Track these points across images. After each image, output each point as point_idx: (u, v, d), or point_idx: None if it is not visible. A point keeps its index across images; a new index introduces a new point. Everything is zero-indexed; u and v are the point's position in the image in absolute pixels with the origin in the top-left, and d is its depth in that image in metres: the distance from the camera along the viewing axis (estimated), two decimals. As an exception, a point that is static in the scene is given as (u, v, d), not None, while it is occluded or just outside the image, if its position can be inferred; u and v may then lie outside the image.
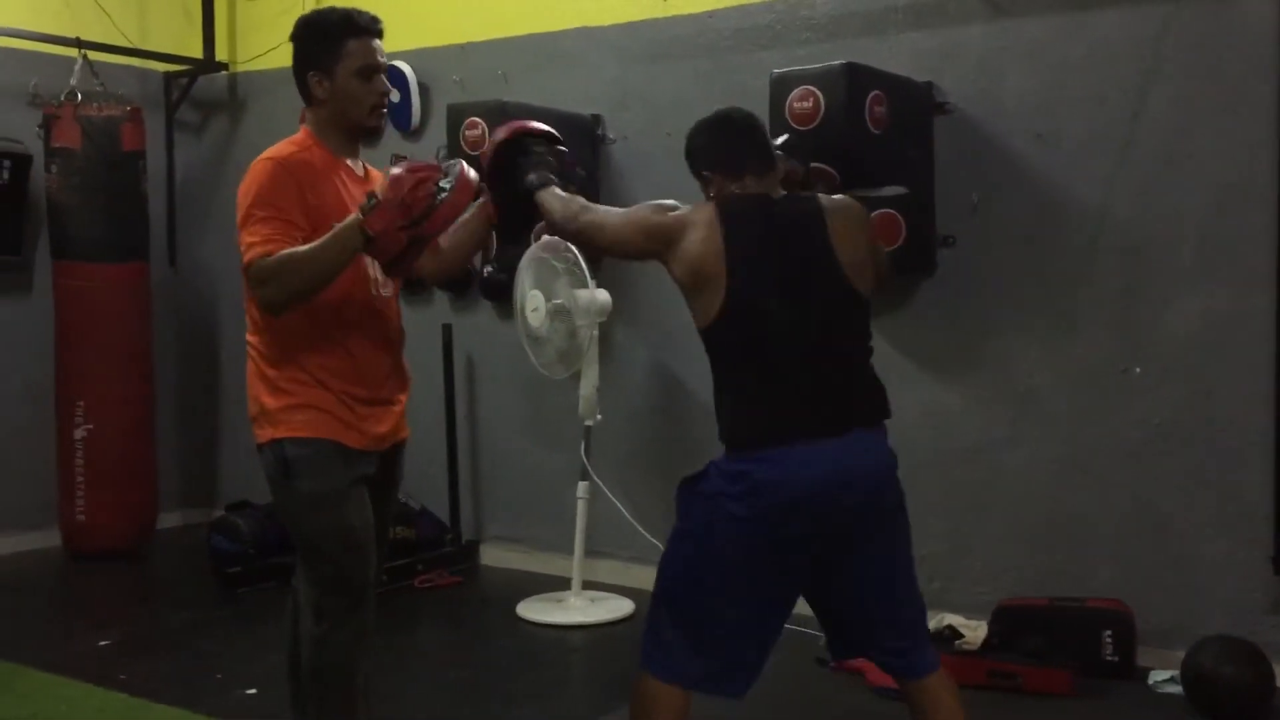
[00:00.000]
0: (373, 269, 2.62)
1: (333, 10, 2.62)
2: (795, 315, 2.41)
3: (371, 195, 2.38)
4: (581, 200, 2.70)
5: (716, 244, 2.40)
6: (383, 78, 2.63)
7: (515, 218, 2.82)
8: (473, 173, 2.47)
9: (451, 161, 2.51)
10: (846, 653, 2.68)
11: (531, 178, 2.71)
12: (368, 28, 2.61)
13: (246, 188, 2.51)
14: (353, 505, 2.60)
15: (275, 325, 2.56)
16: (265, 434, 2.60)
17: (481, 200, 2.73)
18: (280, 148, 2.60)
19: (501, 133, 2.79)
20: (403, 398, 2.76)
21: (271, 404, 2.58)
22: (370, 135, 2.70)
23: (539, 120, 2.85)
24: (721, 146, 2.59)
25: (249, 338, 2.64)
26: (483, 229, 2.81)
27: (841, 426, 2.40)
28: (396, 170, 2.40)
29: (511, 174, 2.74)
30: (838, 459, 2.37)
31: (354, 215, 2.39)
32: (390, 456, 2.75)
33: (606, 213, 2.68)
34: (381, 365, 2.68)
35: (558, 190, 2.70)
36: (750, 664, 2.48)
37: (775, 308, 2.40)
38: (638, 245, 2.58)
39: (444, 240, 2.69)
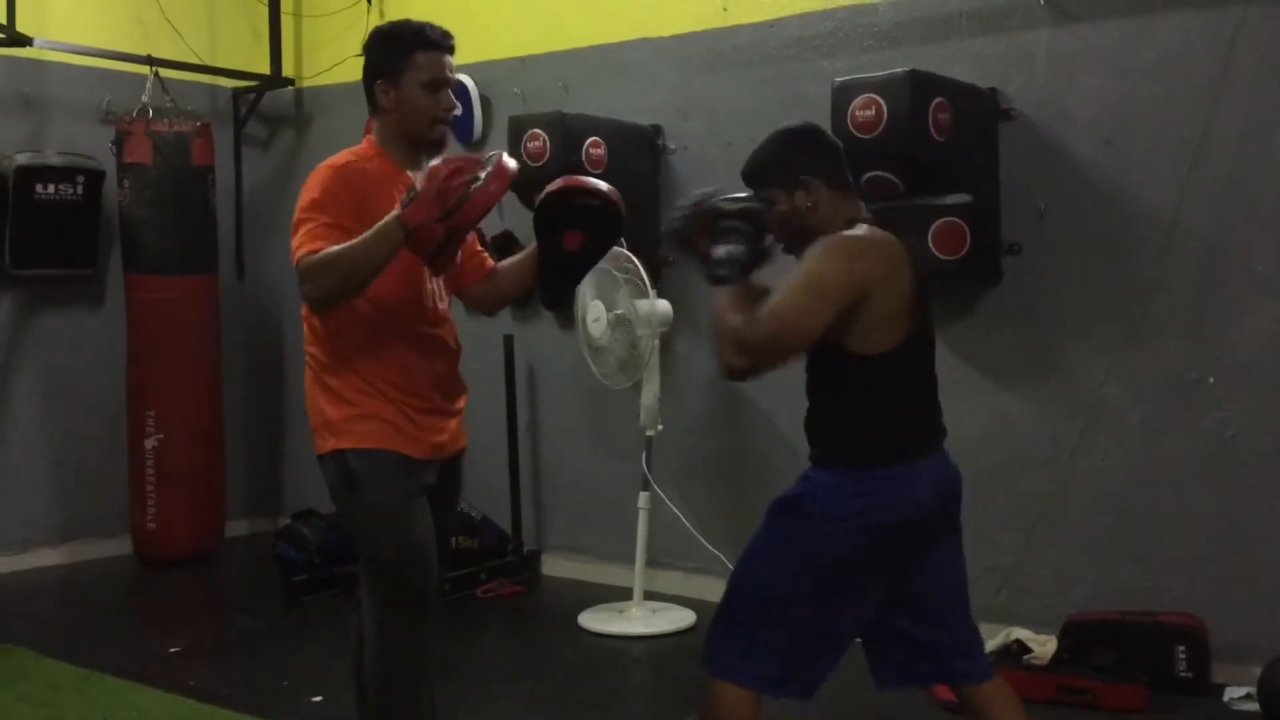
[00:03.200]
0: (429, 282, 2.64)
1: (408, 23, 2.65)
2: (926, 344, 2.47)
3: (411, 189, 2.39)
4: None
5: (910, 286, 2.37)
6: (449, 93, 2.65)
7: (555, 280, 2.74)
8: (511, 162, 2.41)
9: (492, 153, 2.47)
10: (895, 677, 2.57)
11: (721, 256, 2.39)
12: (439, 42, 2.63)
13: (302, 193, 2.56)
14: (415, 516, 2.62)
15: (336, 335, 2.59)
16: (327, 444, 2.61)
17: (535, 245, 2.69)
18: (340, 156, 2.63)
19: (555, 184, 2.64)
20: (460, 407, 2.77)
21: (334, 414, 2.59)
22: (432, 148, 2.71)
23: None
24: (830, 158, 2.50)
25: (308, 348, 2.66)
26: (534, 272, 2.77)
27: (940, 444, 2.50)
28: (434, 163, 2.40)
29: (555, 232, 2.61)
30: (945, 472, 2.46)
31: (392, 213, 2.40)
32: (450, 466, 2.76)
33: (780, 303, 2.30)
34: (439, 376, 2.70)
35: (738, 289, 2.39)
36: (829, 668, 2.47)
37: (921, 339, 2.44)
38: (830, 316, 2.30)
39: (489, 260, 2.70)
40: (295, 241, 2.49)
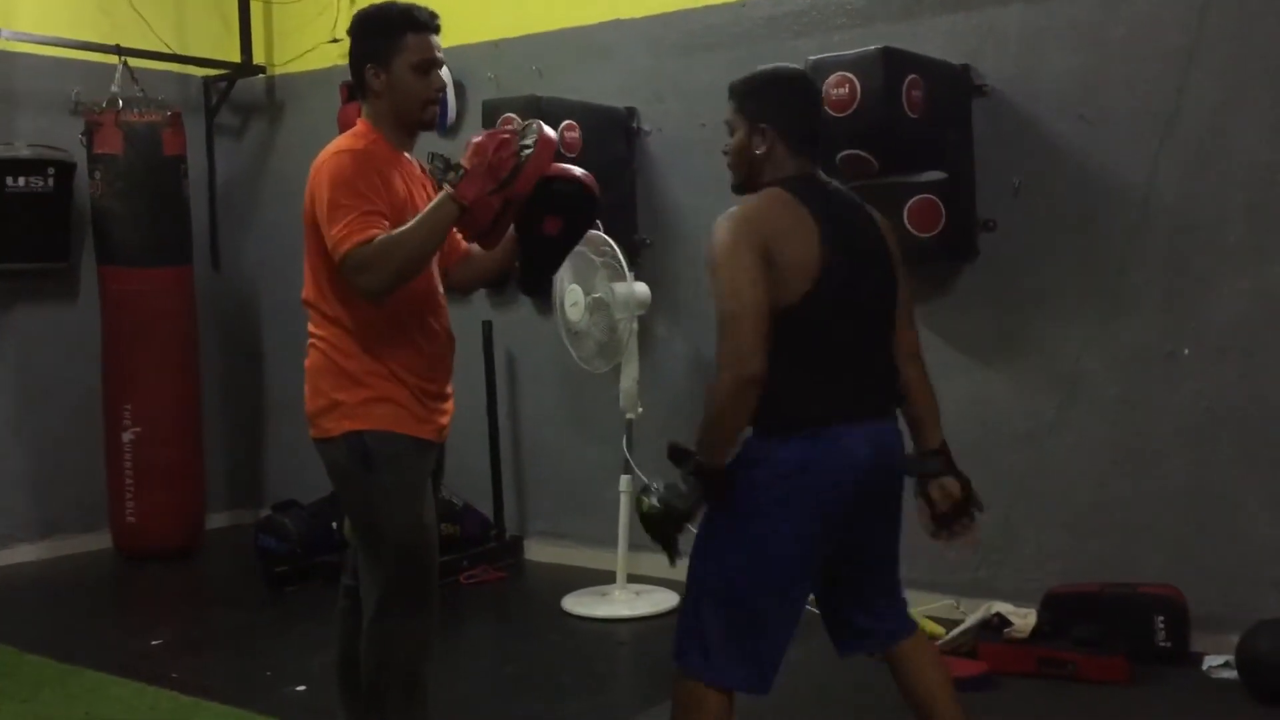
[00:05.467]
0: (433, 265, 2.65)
1: (392, 5, 2.63)
2: (862, 305, 2.44)
3: (456, 166, 2.40)
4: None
5: (814, 239, 2.34)
6: (439, 74, 2.65)
7: (535, 265, 2.75)
8: (550, 130, 2.47)
9: (527, 122, 2.52)
10: (846, 635, 2.61)
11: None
12: (426, 23, 2.62)
13: (327, 180, 2.50)
14: (427, 499, 2.64)
15: (351, 319, 2.57)
16: (340, 426, 2.57)
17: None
18: (348, 140, 2.60)
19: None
20: (451, 391, 2.78)
21: (348, 398, 2.57)
22: (424, 129, 2.73)
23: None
24: (796, 111, 2.49)
25: (316, 330, 2.63)
26: (513, 252, 2.77)
27: (885, 410, 2.47)
28: (476, 139, 2.43)
29: (533, 218, 2.61)
30: (883, 440, 2.43)
31: (443, 192, 2.42)
32: (439, 449, 2.78)
33: (723, 310, 2.35)
34: (446, 359, 2.72)
35: None
36: (781, 657, 2.45)
37: (849, 296, 2.39)
38: (763, 291, 2.31)
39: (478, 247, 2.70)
40: (337, 231, 2.44)
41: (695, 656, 2.41)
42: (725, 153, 2.53)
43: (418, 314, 2.62)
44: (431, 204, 2.47)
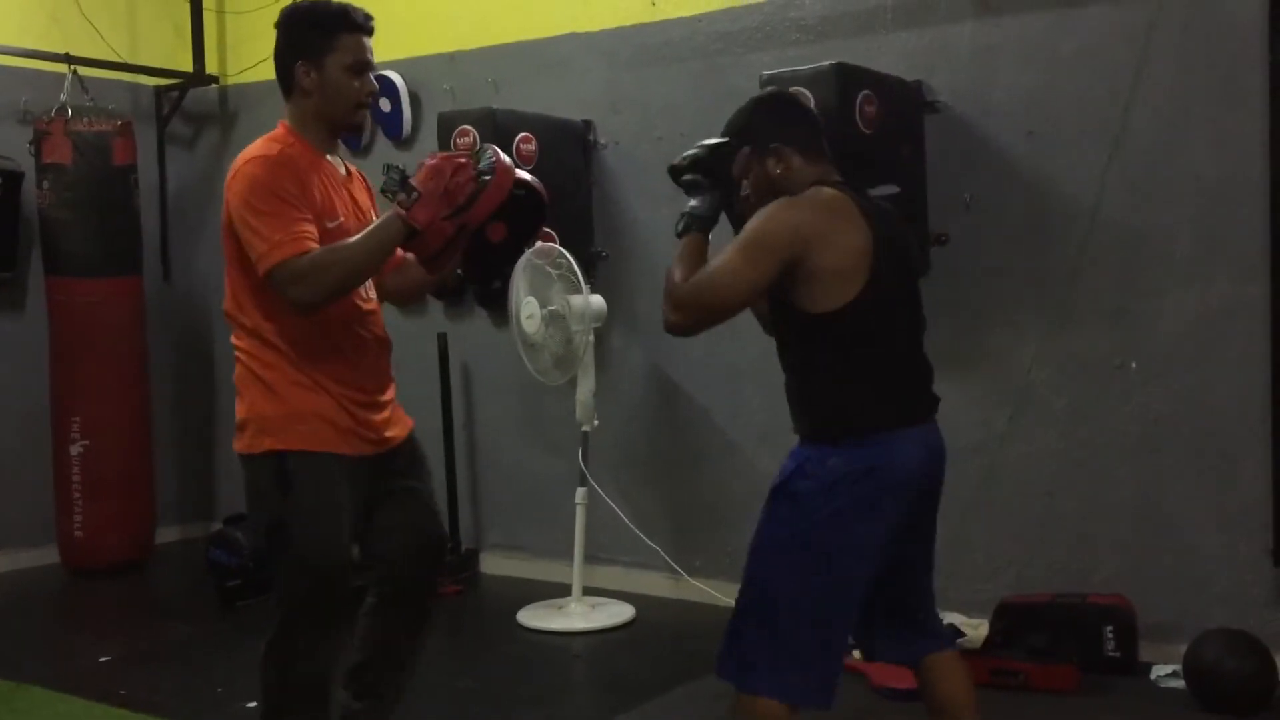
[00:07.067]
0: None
1: (328, 4, 2.60)
2: (905, 308, 2.46)
3: (410, 188, 2.37)
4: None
5: (866, 243, 2.33)
6: (371, 77, 2.62)
7: (479, 271, 2.73)
8: (507, 158, 2.47)
9: (481, 147, 2.51)
10: (892, 650, 2.60)
11: (684, 210, 2.44)
12: (362, 24, 2.60)
13: (245, 188, 2.46)
14: (344, 523, 2.59)
15: (271, 329, 2.54)
16: (260, 443, 2.55)
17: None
18: (262, 146, 2.55)
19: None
20: (389, 398, 2.74)
21: (270, 411, 2.54)
22: (351, 132, 2.70)
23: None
24: (802, 124, 2.50)
25: (237, 342, 2.61)
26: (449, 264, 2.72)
27: (925, 414, 2.48)
28: (431, 161, 2.41)
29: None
30: (933, 442, 2.46)
31: (391, 211, 2.40)
32: (408, 449, 2.74)
33: (712, 263, 2.33)
34: (376, 368, 2.68)
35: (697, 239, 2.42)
36: (841, 667, 2.43)
37: (897, 299, 2.41)
38: (760, 276, 2.29)
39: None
40: (260, 242, 2.40)
41: (765, 674, 2.33)
42: (745, 196, 2.48)
43: (343, 323, 2.58)
44: (379, 222, 2.43)
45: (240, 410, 2.60)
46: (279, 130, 2.61)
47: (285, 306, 2.47)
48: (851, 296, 2.31)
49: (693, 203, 2.44)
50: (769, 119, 2.49)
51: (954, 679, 2.55)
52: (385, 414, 2.69)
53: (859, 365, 2.36)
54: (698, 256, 2.37)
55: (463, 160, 2.42)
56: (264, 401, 2.55)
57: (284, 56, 2.60)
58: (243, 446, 2.59)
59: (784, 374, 2.48)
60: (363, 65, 2.58)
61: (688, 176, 2.46)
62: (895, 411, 2.39)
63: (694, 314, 2.33)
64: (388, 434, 2.69)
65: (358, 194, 2.70)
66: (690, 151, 2.48)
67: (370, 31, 2.61)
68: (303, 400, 2.53)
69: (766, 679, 2.33)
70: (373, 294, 2.70)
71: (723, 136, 2.50)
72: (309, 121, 2.60)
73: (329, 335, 2.56)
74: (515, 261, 2.83)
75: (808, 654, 2.34)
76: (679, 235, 2.42)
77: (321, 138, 2.62)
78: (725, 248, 2.33)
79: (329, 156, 2.64)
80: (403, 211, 2.38)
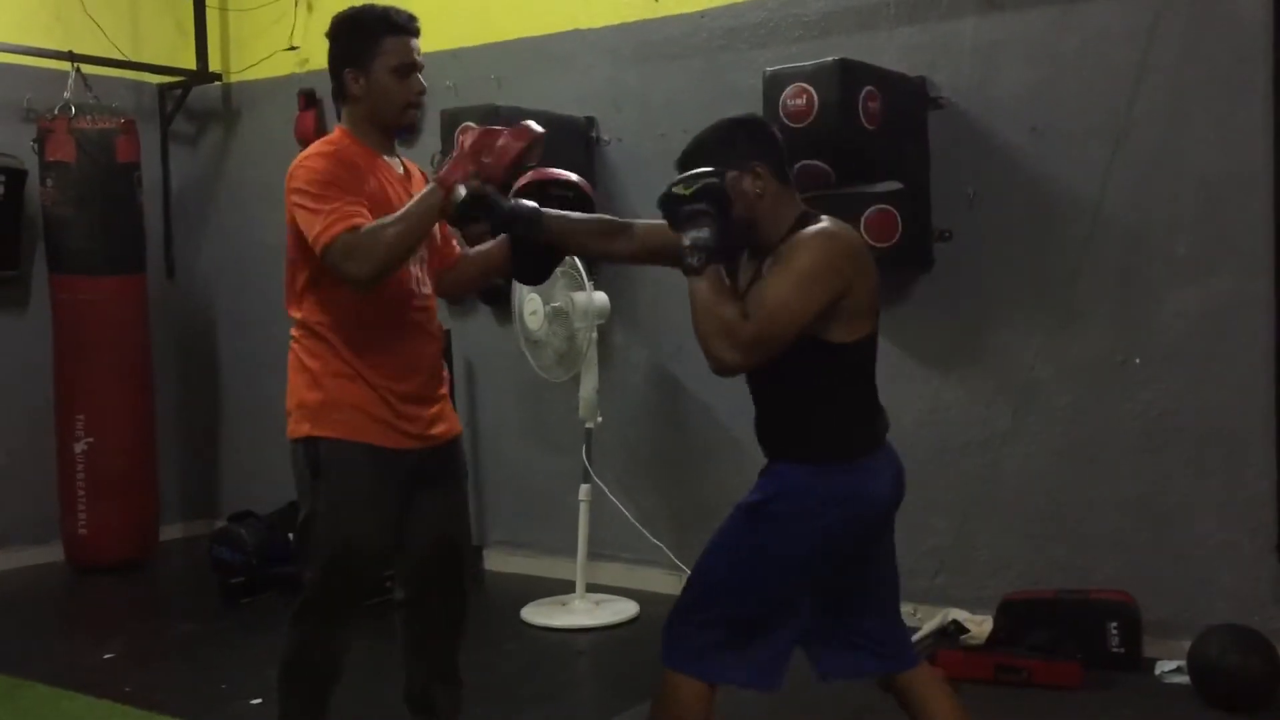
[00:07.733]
0: (414, 265, 2.64)
1: (371, 8, 2.63)
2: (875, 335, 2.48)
3: (444, 161, 2.46)
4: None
5: (876, 281, 2.39)
6: (419, 76, 2.64)
7: (531, 270, 2.75)
8: (534, 124, 2.51)
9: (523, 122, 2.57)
10: (840, 666, 2.59)
11: (688, 244, 2.27)
12: (405, 26, 2.62)
13: (297, 182, 2.51)
14: (373, 514, 2.61)
15: (318, 318, 2.57)
16: (300, 429, 2.60)
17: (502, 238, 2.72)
18: (319, 145, 2.61)
19: (527, 177, 2.68)
20: (443, 393, 2.76)
21: (310, 399, 2.58)
22: (404, 133, 2.74)
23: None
24: (774, 147, 2.45)
25: (293, 330, 2.65)
26: (503, 258, 2.78)
27: (886, 434, 2.51)
28: (462, 130, 2.50)
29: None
30: (896, 461, 2.48)
31: (430, 183, 2.48)
32: (446, 452, 2.75)
33: (772, 298, 2.24)
34: (425, 361, 2.70)
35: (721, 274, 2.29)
36: (788, 659, 2.46)
37: (876, 332, 2.45)
38: (813, 312, 2.26)
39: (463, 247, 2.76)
40: (318, 223, 2.44)
41: (689, 653, 2.39)
42: (740, 220, 2.38)
43: (390, 312, 2.61)
44: (420, 193, 2.50)
45: (289, 399, 2.65)
46: (335, 134, 2.65)
47: (339, 299, 2.53)
48: (869, 330, 2.38)
49: (701, 233, 2.28)
50: (745, 137, 2.44)
51: (937, 699, 2.54)
52: (433, 410, 2.70)
53: (858, 392, 2.43)
54: (729, 290, 2.30)
55: (491, 128, 2.49)
56: (306, 389, 2.60)
57: (334, 64, 2.64)
58: (289, 432, 2.64)
59: (759, 397, 2.47)
60: (408, 67, 2.61)
61: (693, 206, 2.29)
62: (875, 434, 2.45)
63: (757, 355, 2.26)
64: (433, 430, 2.69)
65: (417, 191, 2.71)
66: (680, 180, 2.32)
67: (415, 33, 2.63)
68: (342, 390, 2.57)
69: (698, 661, 2.38)
70: (427, 288, 2.71)
71: (701, 160, 2.38)
72: (362, 125, 2.64)
73: (379, 327, 2.59)
74: (561, 261, 2.85)
75: (743, 640, 2.38)
76: (697, 270, 2.27)
77: (375, 139, 2.65)
78: (773, 279, 2.26)
79: (386, 157, 2.67)
80: (435, 175, 2.46)
